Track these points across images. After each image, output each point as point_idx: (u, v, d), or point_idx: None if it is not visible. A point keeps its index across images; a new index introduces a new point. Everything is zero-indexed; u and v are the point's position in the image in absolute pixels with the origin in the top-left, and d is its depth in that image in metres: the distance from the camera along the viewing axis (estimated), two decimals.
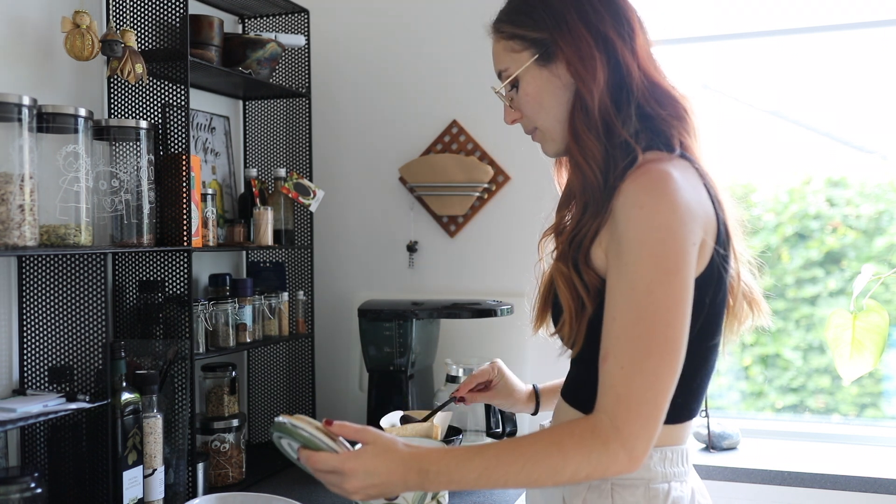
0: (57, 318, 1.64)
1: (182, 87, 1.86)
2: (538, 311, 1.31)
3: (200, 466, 1.87)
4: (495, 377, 1.58)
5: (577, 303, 1.15)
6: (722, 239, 1.15)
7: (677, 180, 1.09)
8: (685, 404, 1.18)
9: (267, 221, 2.18)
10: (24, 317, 1.66)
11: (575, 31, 1.18)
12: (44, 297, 1.64)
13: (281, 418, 1.17)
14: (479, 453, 1.10)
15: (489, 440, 1.94)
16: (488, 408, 1.93)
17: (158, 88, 1.89)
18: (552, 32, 1.20)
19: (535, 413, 1.60)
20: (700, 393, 1.21)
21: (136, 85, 1.87)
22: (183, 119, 1.87)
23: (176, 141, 1.89)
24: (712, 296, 1.15)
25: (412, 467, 1.11)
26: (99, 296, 1.60)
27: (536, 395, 1.58)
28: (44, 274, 1.64)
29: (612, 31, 1.19)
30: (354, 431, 1.16)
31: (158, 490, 1.72)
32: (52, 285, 1.64)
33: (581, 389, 1.21)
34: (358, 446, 1.15)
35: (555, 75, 1.21)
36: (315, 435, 1.14)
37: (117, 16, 1.86)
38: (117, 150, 1.69)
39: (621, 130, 1.17)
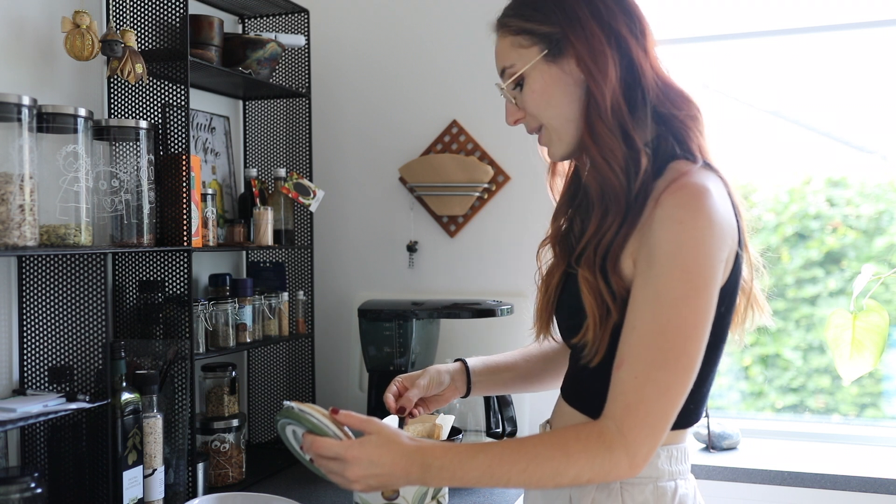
0: (57, 318, 1.63)
1: (182, 87, 1.86)
2: (542, 319, 1.30)
3: (200, 466, 1.87)
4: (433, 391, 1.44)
5: (602, 311, 1.13)
6: (741, 246, 1.16)
7: (714, 197, 1.09)
8: (695, 409, 1.19)
9: (267, 221, 2.17)
10: (24, 317, 1.66)
11: (587, 26, 1.16)
12: (44, 297, 1.64)
13: (289, 403, 1.17)
14: (483, 451, 1.10)
15: (489, 440, 1.94)
16: (488, 408, 1.93)
17: (158, 88, 1.89)
18: (563, 27, 1.16)
19: (464, 396, 1.47)
20: (707, 396, 1.22)
21: (136, 85, 1.87)
22: (183, 119, 1.87)
23: (176, 141, 1.89)
24: (728, 304, 1.16)
25: (415, 460, 1.11)
26: (99, 296, 1.60)
27: (468, 379, 1.45)
28: (44, 274, 1.64)
29: (624, 29, 1.17)
30: (360, 421, 1.15)
31: (158, 490, 1.72)
32: (52, 285, 1.64)
33: (591, 396, 1.18)
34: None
35: (565, 72, 1.18)
36: (322, 421, 1.15)
37: (117, 16, 1.86)
38: (117, 150, 1.69)
39: (633, 131, 1.15)
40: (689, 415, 1.17)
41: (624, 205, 1.14)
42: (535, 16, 1.19)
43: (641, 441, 1.06)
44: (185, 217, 1.82)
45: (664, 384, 1.06)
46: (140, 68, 1.74)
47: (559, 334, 1.30)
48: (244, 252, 2.42)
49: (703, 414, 1.24)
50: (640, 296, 1.09)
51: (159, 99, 1.89)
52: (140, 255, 1.88)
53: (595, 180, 1.17)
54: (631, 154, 1.15)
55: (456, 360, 1.47)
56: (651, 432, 1.06)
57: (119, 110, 1.88)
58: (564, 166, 1.34)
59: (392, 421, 1.60)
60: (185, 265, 1.84)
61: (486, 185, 2.43)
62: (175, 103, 1.88)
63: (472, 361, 1.47)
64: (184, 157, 1.84)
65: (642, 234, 1.11)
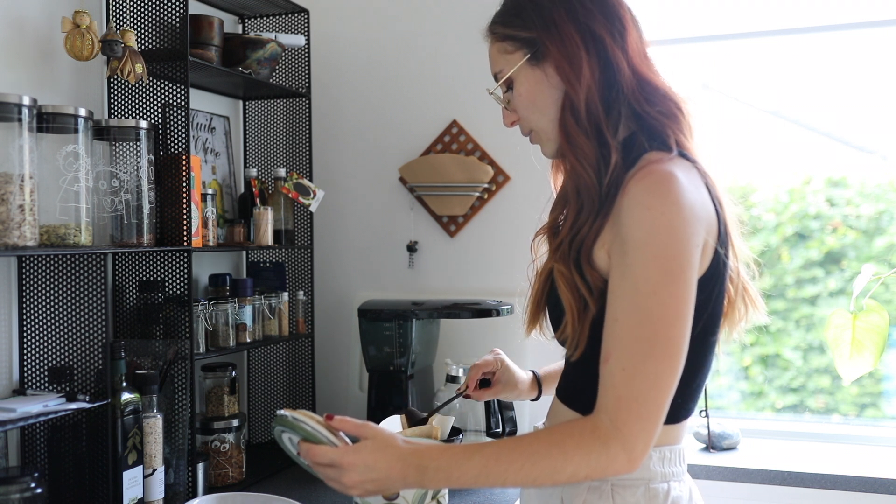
0: (57, 318, 1.64)
1: (182, 87, 1.86)
2: (531, 313, 1.30)
3: (200, 466, 1.87)
4: (499, 370, 1.56)
5: (579, 304, 1.14)
6: (722, 238, 1.16)
7: (682, 181, 1.09)
8: (684, 404, 1.19)
9: (267, 221, 2.18)
10: (24, 317, 1.66)
11: (562, 29, 1.18)
12: (44, 297, 1.64)
13: (283, 411, 1.17)
14: (479, 451, 1.10)
15: (489, 440, 1.94)
16: (488, 408, 1.93)
17: (158, 88, 1.89)
18: (540, 32, 1.20)
19: (536, 399, 1.59)
20: (698, 392, 1.21)
21: (136, 85, 1.87)
22: (183, 119, 1.87)
23: (176, 141, 1.89)
24: (713, 295, 1.15)
25: (411, 463, 1.11)
26: (99, 296, 1.60)
27: (538, 382, 1.58)
28: (44, 274, 1.64)
29: (602, 29, 1.18)
30: (355, 427, 1.16)
31: (158, 490, 1.72)
32: (52, 285, 1.64)
33: (581, 392, 1.20)
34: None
35: (546, 75, 1.21)
36: (316, 428, 1.15)
37: (117, 16, 1.86)
38: (117, 150, 1.69)
39: (607, 131, 1.16)
40: (677, 409, 1.16)
41: (598, 202, 1.16)
42: (516, 22, 1.23)
43: (637, 434, 1.06)
44: (185, 217, 1.82)
45: (653, 374, 1.06)
46: (140, 68, 1.74)
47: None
48: (244, 252, 2.42)
49: (693, 411, 1.24)
50: (617, 287, 1.09)
51: (159, 99, 1.89)
52: (140, 255, 1.88)
53: (571, 179, 1.19)
54: (602, 152, 1.16)
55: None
56: (646, 424, 1.06)
57: (119, 110, 1.89)
58: None
59: (390, 423, 1.60)
60: (185, 265, 1.84)
61: (486, 185, 2.43)
62: (175, 103, 1.88)
63: (542, 373, 1.60)
64: (184, 157, 1.84)
65: (613, 225, 1.12)
